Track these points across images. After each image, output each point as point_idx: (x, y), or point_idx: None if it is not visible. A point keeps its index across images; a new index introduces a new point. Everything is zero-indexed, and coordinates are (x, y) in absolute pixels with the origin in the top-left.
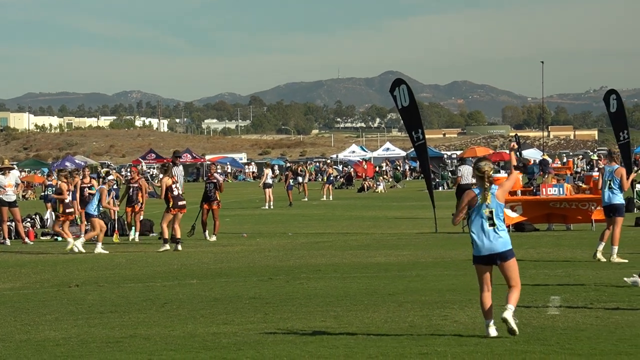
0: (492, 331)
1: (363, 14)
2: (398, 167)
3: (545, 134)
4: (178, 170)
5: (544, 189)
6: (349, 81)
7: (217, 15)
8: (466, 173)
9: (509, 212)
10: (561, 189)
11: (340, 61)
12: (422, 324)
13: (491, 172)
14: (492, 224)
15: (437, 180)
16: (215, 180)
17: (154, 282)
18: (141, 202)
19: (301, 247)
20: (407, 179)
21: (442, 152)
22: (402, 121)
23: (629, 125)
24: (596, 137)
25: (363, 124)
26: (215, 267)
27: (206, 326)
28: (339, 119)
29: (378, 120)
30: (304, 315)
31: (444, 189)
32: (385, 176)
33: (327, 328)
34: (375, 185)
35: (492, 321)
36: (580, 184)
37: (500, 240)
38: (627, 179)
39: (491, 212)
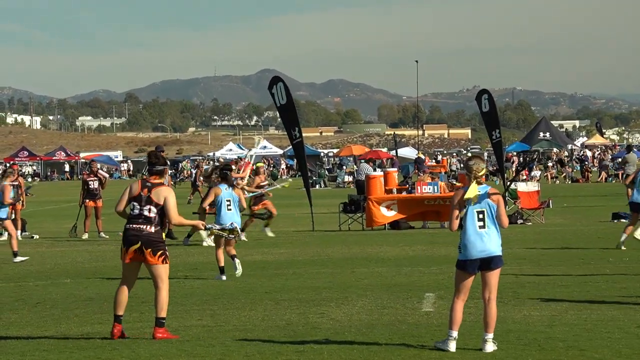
0: (452, 346)
1: (239, 12)
2: (275, 165)
3: (420, 132)
4: None
5: (419, 187)
6: (226, 79)
7: (91, 11)
8: (364, 170)
9: (384, 210)
10: (435, 187)
11: (216, 59)
12: (299, 321)
13: (480, 172)
14: (483, 226)
15: (314, 178)
16: (100, 177)
17: (26, 281)
18: (22, 200)
19: (178, 245)
20: (284, 177)
21: (319, 150)
22: (279, 119)
23: (500, 124)
24: (469, 136)
25: (240, 122)
26: (90, 266)
27: (80, 326)
28: (215, 117)
29: (255, 118)
30: (180, 314)
31: (320, 187)
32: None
33: (204, 326)
34: None
35: (456, 333)
36: (454, 182)
37: (492, 243)
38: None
39: (482, 213)
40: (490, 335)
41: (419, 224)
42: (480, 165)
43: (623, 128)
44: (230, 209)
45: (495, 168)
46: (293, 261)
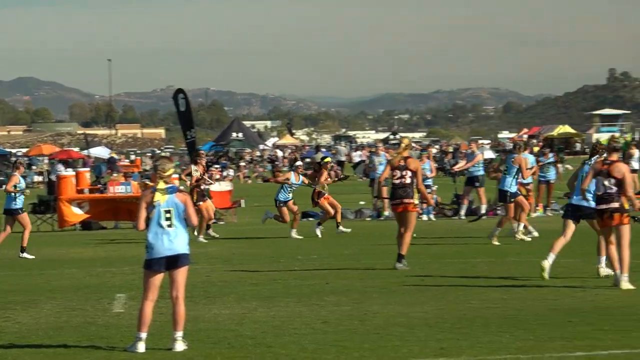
0: (140, 347)
1: None
2: None
3: (114, 132)
4: None
5: (111, 187)
6: None
7: None
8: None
9: (75, 209)
10: (128, 187)
11: None
12: None
13: (166, 172)
14: (170, 225)
15: (1, 178)
16: None
17: None
18: None
19: None
20: None
21: (7, 149)
22: None
23: (195, 123)
24: (163, 135)
25: None
26: None
27: None
28: None
29: None
30: None
31: None
32: None
33: None
34: None
35: (145, 335)
36: (148, 182)
37: (179, 241)
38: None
39: (169, 212)
40: (179, 334)
41: (111, 224)
42: (166, 165)
43: (312, 129)
44: None
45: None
46: None
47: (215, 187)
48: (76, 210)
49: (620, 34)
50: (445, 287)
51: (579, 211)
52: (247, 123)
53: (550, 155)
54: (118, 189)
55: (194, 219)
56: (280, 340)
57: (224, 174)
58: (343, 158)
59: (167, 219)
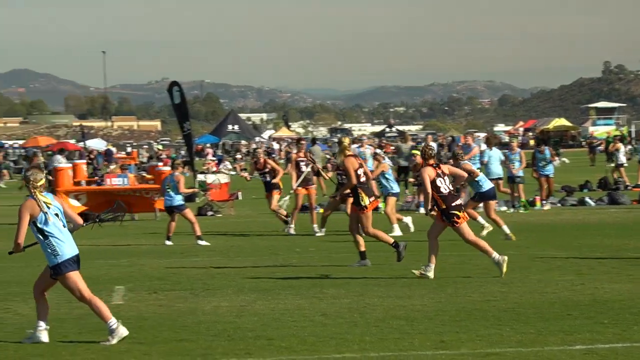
0: (44, 336)
1: None
2: None
3: (109, 124)
4: None
5: (108, 179)
6: None
7: None
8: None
9: (73, 201)
10: (125, 179)
11: None
12: None
13: (39, 182)
14: (65, 225)
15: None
16: None
17: None
18: None
19: None
20: None
21: (4, 141)
22: None
23: (190, 116)
24: (159, 128)
25: None
26: None
27: None
28: None
29: None
30: None
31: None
32: None
33: None
34: None
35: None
36: (144, 174)
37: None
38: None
39: (58, 215)
40: (113, 320)
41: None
42: (38, 175)
43: (308, 121)
44: None
45: (186, 160)
46: None
47: (212, 179)
48: (73, 202)
49: (614, 27)
50: (444, 280)
51: None
52: (243, 116)
53: (546, 150)
54: (115, 181)
55: (78, 219)
56: (280, 333)
57: (221, 166)
58: None
59: (61, 220)
